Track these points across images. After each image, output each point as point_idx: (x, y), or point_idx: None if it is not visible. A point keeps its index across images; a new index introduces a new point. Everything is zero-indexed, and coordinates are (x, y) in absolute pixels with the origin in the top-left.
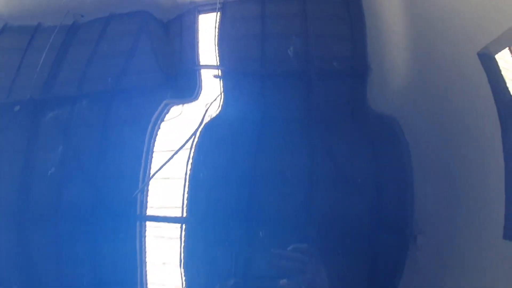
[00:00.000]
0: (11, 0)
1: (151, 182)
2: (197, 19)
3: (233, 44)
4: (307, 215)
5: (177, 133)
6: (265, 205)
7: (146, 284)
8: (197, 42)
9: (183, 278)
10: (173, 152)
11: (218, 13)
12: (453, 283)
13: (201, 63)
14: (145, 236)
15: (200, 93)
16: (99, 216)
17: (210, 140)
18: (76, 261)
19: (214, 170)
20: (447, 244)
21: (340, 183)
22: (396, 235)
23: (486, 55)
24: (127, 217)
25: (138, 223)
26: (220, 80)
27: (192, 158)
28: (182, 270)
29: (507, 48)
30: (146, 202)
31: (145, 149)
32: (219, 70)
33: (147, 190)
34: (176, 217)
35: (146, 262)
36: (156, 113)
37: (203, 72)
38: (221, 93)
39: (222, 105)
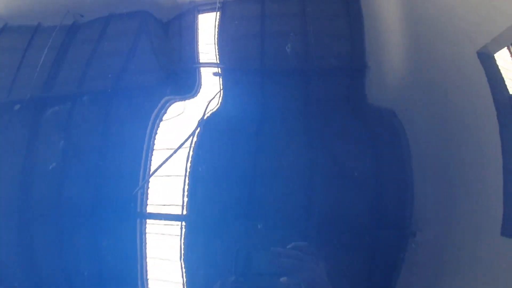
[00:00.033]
0: (11, 0)
1: (151, 179)
2: (197, 18)
3: (232, 42)
4: (307, 212)
5: (177, 131)
6: (265, 203)
7: (147, 280)
8: (197, 41)
9: (184, 275)
10: (173, 150)
11: (218, 12)
12: (452, 279)
13: (200, 61)
14: (145, 233)
15: (200, 91)
16: (100, 213)
17: (210, 137)
18: (77, 257)
19: (214, 167)
20: (446, 240)
21: (339, 180)
22: (395, 232)
23: (486, 54)
24: (128, 214)
25: (139, 220)
26: (219, 78)
27: (192, 156)
28: (183, 266)
29: (506, 47)
30: (147, 199)
31: (145, 147)
32: (219, 68)
33: (148, 188)
34: (176, 215)
35: (146, 259)
36: (156, 111)
37: (203, 70)
38: (220, 91)
39: (221, 102)
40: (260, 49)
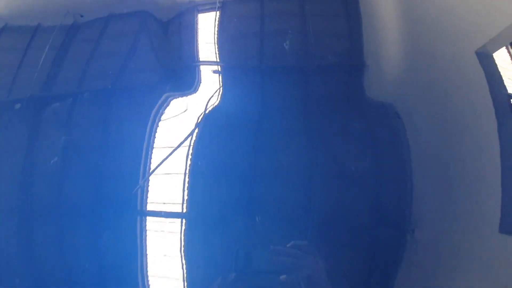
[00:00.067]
0: (11, 0)
1: (151, 177)
2: (196, 16)
3: (231, 40)
4: (306, 210)
5: (177, 129)
6: (265, 201)
7: (147, 277)
8: (196, 39)
9: (184, 273)
10: (173, 148)
11: (217, 11)
12: (451, 277)
13: (200, 60)
14: (146, 231)
15: (199, 89)
16: (101, 210)
17: (210, 135)
18: (77, 254)
19: (214, 166)
20: (445, 239)
21: (338, 178)
22: (394, 231)
23: (484, 53)
24: (128, 212)
25: (139, 218)
26: (219, 76)
27: (192, 153)
28: (183, 264)
29: (505, 46)
30: (147, 196)
31: (145, 145)
32: (218, 66)
33: (148, 185)
34: (177, 212)
35: (147, 256)
36: (156, 109)
37: (202, 68)
38: (220, 89)
39: (221, 100)
40: (259, 47)
